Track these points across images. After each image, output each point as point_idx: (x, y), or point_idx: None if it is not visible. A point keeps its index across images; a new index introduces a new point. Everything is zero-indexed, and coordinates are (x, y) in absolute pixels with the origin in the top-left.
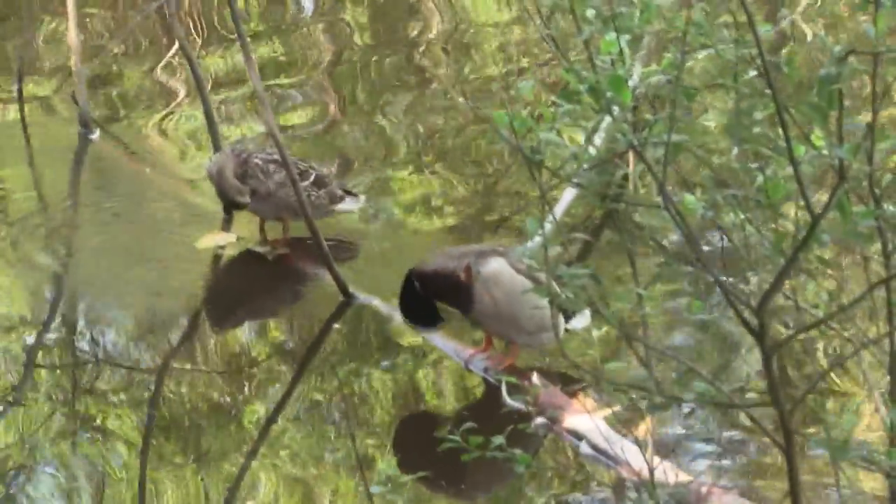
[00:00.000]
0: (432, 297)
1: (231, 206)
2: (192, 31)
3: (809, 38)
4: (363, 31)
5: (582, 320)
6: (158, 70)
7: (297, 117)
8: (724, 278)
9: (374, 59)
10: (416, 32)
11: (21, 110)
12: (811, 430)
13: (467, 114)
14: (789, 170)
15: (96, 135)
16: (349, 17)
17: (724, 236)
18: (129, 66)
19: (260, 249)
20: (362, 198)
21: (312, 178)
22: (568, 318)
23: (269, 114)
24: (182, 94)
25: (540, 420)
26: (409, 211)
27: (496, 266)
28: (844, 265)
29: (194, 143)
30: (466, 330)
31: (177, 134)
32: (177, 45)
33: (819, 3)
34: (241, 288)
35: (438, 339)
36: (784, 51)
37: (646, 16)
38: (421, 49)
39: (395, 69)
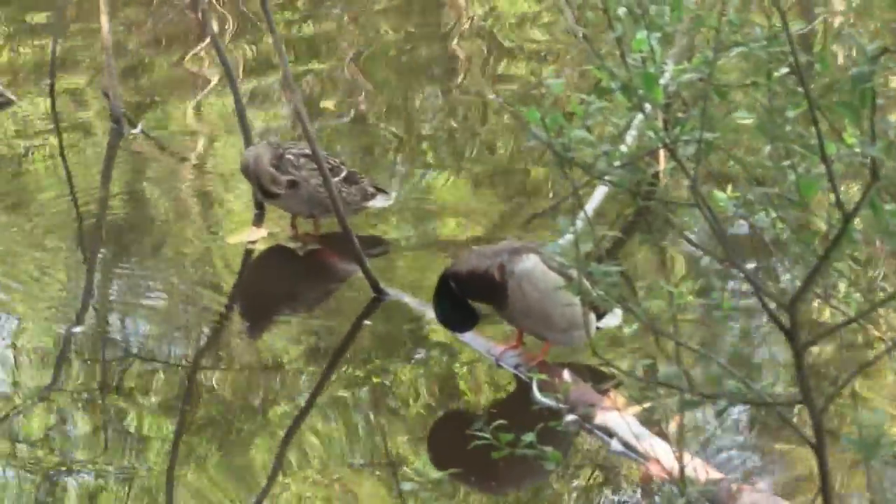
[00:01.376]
0: (468, 297)
1: (266, 195)
2: (224, 23)
3: (843, 36)
4: (393, 21)
5: (613, 318)
6: (188, 61)
7: (328, 103)
8: (756, 276)
9: (405, 49)
10: (448, 27)
11: (52, 105)
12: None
13: (499, 109)
14: (821, 168)
15: (138, 129)
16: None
17: (756, 234)
18: (160, 58)
19: (291, 245)
20: (393, 194)
21: (344, 174)
22: (600, 316)
23: (303, 114)
24: (212, 83)
25: (570, 417)
26: (441, 207)
27: (529, 263)
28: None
29: (225, 137)
30: (498, 327)
31: (208, 128)
32: (208, 38)
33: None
34: (272, 284)
35: (469, 336)
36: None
37: (676, 14)
38: (453, 43)
39: (425, 62)
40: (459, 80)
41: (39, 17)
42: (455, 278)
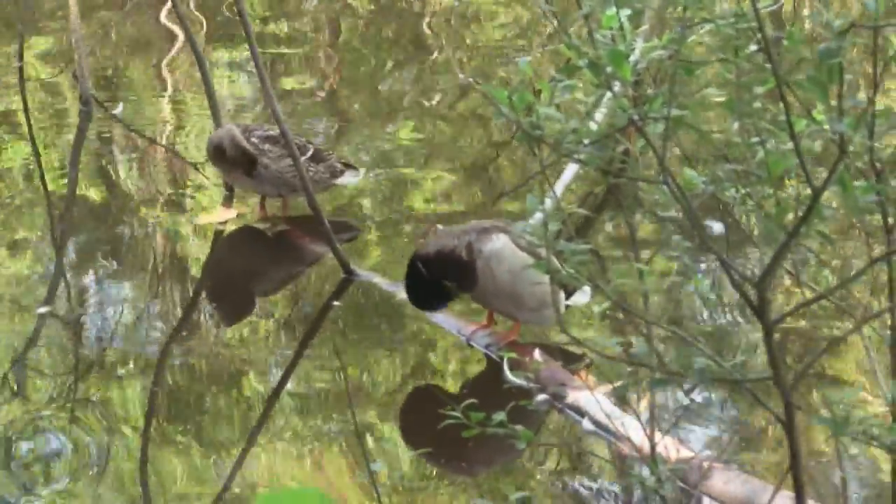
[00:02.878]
0: (438, 277)
1: (245, 162)
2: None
3: (808, 11)
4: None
5: (583, 296)
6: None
7: (296, 83)
8: (725, 254)
9: (375, 30)
10: (418, 4)
11: (22, 88)
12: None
13: (468, 88)
14: (790, 145)
15: (119, 108)
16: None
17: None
18: (131, 43)
19: (260, 226)
20: (361, 171)
21: (311, 152)
22: (569, 294)
23: (270, 92)
24: (178, 63)
25: (541, 396)
26: (409, 185)
27: (498, 243)
28: (846, 241)
29: (195, 119)
30: (468, 306)
31: (178, 109)
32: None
33: None
34: (241, 264)
35: (440, 316)
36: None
37: None
38: (424, 21)
39: (396, 41)
40: (431, 58)
41: None
42: (423, 260)
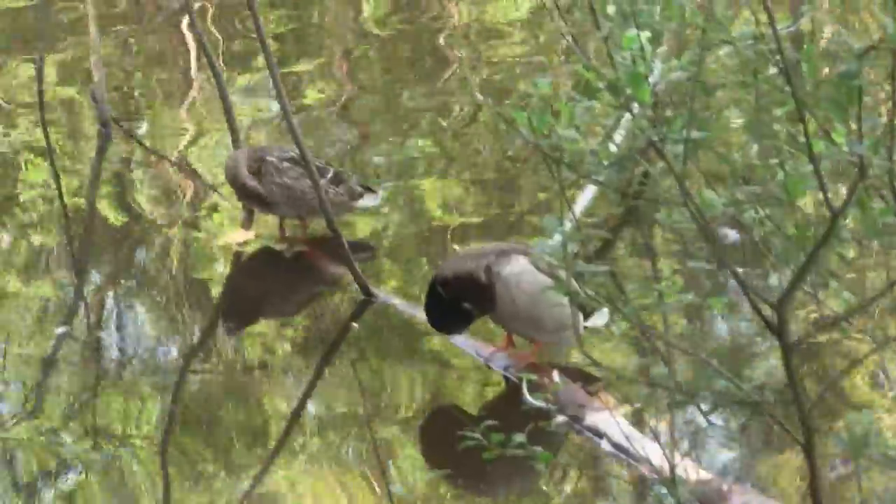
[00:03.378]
0: (457, 300)
1: (244, 195)
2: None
3: (828, 34)
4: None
5: (601, 318)
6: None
7: (312, 98)
8: (744, 275)
9: (393, 47)
10: (435, 23)
11: (41, 110)
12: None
13: (487, 109)
14: (809, 166)
15: (143, 129)
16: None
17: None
18: (151, 63)
19: (278, 247)
20: (381, 193)
21: (330, 174)
22: (587, 315)
23: (290, 116)
24: (198, 86)
25: (560, 418)
26: (429, 207)
27: (517, 265)
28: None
29: (214, 138)
30: (487, 328)
31: (197, 129)
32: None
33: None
34: (261, 286)
35: (459, 338)
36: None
37: (666, 12)
38: (440, 39)
39: (413, 60)
40: (450, 79)
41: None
42: (442, 283)
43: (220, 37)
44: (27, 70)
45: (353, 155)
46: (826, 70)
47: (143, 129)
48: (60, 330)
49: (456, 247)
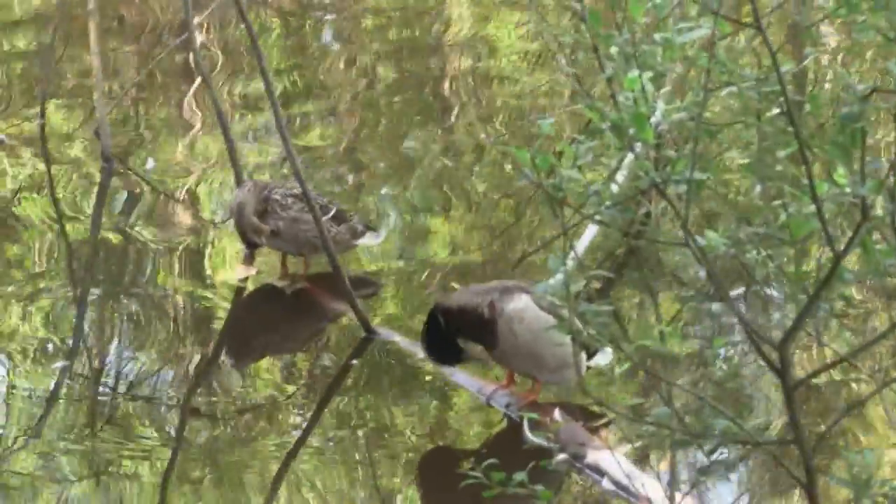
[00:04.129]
0: (456, 333)
1: (248, 245)
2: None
3: (831, 75)
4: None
5: (604, 357)
6: (183, 103)
7: (316, 140)
8: (747, 316)
9: (396, 93)
10: (438, 66)
11: (44, 144)
12: (834, 467)
13: (489, 148)
14: (812, 208)
15: (150, 166)
16: (372, 50)
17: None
18: (152, 102)
19: (279, 283)
20: (383, 233)
21: (333, 212)
22: (590, 354)
23: (293, 154)
24: (203, 121)
25: (562, 456)
26: (431, 246)
27: (521, 303)
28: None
29: (216, 174)
30: (487, 366)
31: (198, 166)
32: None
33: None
34: (262, 322)
35: (460, 375)
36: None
37: (669, 53)
38: (444, 82)
39: (417, 102)
40: (452, 119)
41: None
42: (445, 313)
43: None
44: (30, 107)
45: (356, 194)
46: (829, 112)
47: (150, 164)
48: (63, 366)
49: (455, 285)
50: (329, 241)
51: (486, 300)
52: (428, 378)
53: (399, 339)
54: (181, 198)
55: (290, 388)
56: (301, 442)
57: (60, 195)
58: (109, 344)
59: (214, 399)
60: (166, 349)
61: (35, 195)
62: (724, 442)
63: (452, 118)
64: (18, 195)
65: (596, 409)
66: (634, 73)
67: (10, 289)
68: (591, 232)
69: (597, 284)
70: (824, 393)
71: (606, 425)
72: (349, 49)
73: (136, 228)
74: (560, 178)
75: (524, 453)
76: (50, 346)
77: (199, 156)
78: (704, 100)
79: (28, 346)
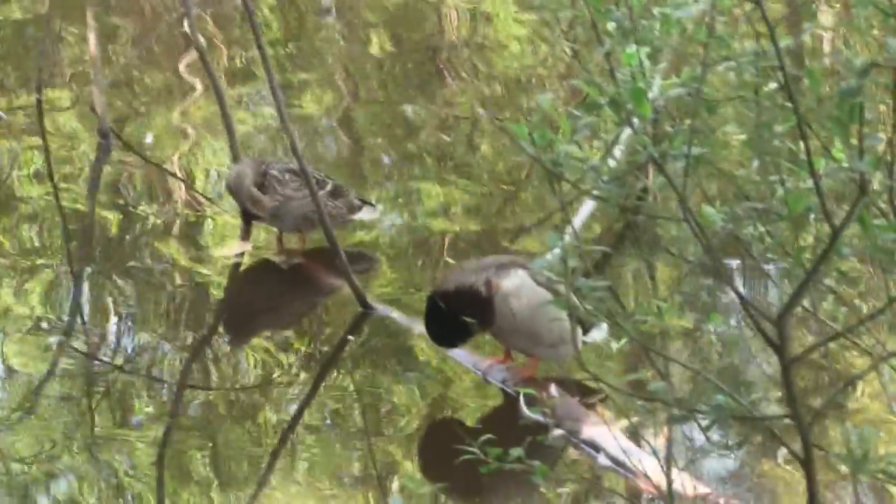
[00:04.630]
0: (456, 313)
1: (247, 216)
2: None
3: (828, 50)
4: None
5: (600, 332)
6: (179, 68)
7: (311, 109)
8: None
9: (394, 62)
10: (435, 37)
11: (40, 120)
12: (832, 440)
13: (487, 123)
14: (810, 183)
15: (148, 140)
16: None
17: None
18: (148, 73)
19: (275, 259)
20: (379, 207)
21: (329, 187)
22: (586, 329)
23: (290, 128)
24: (198, 92)
25: (558, 432)
26: (427, 221)
27: (517, 279)
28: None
29: (212, 150)
30: (484, 341)
31: (195, 141)
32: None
33: (843, 18)
34: (258, 298)
35: (457, 351)
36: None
37: (666, 28)
38: (441, 55)
39: (413, 75)
40: (450, 94)
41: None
42: (443, 297)
43: (222, 47)
44: (26, 82)
45: (352, 167)
46: (827, 87)
47: (148, 139)
48: (59, 342)
49: (450, 259)
50: (326, 216)
51: (481, 277)
52: (424, 354)
53: (395, 314)
54: (177, 173)
55: (287, 364)
56: (297, 418)
57: (56, 171)
58: (105, 320)
59: (210, 374)
60: (162, 325)
61: (31, 170)
62: (721, 417)
63: (448, 91)
64: (14, 171)
65: (592, 384)
66: (632, 48)
67: (5, 262)
68: (588, 207)
69: (595, 259)
70: (822, 368)
71: (603, 401)
72: (346, 18)
73: (132, 204)
74: (558, 154)
75: (521, 429)
76: (45, 322)
77: (195, 130)
78: (703, 74)
79: (23, 321)
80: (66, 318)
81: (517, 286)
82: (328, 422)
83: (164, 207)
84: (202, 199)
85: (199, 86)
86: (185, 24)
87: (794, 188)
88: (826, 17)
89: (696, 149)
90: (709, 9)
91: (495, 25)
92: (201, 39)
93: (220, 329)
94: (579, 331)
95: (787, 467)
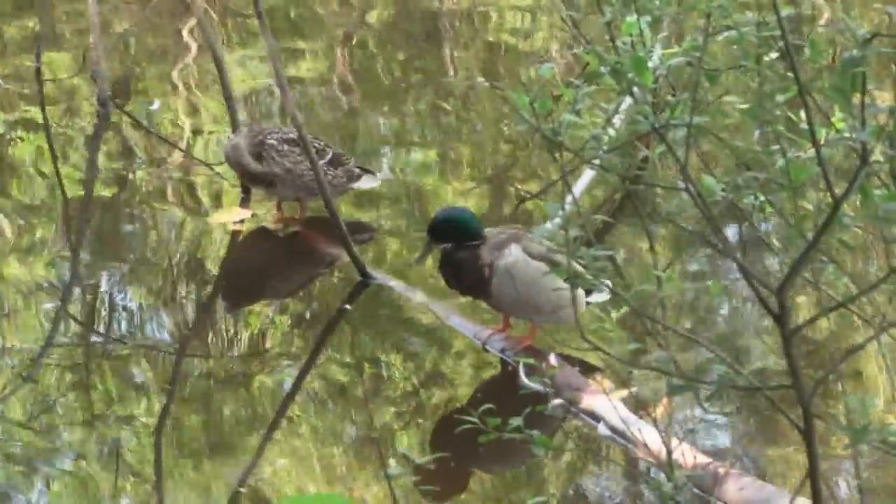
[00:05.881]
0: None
1: (250, 179)
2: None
3: (827, 18)
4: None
5: (602, 295)
6: (181, 30)
7: (306, 71)
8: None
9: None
10: (436, 3)
11: (40, 88)
12: (831, 412)
13: (489, 92)
14: (811, 153)
15: (154, 106)
16: None
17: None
18: (146, 37)
19: (273, 227)
20: (379, 175)
21: (329, 156)
22: (587, 292)
23: (289, 97)
24: (195, 54)
25: (557, 401)
26: (428, 191)
27: (511, 257)
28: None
29: (211, 118)
30: (483, 310)
31: (194, 109)
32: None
33: None
34: (258, 266)
35: (456, 320)
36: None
37: None
38: (441, 23)
39: (413, 44)
40: (448, 63)
41: None
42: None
43: (214, 17)
44: (25, 47)
45: (350, 131)
46: (829, 56)
47: (155, 105)
48: (51, 304)
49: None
50: (326, 185)
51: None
52: (423, 322)
53: (394, 283)
54: (176, 141)
55: (285, 332)
56: (296, 387)
57: (56, 139)
58: (102, 287)
59: (209, 343)
60: (161, 292)
61: (30, 138)
62: (723, 387)
63: (448, 59)
64: (13, 138)
65: (592, 354)
66: (632, 17)
67: (7, 233)
68: (588, 176)
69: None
70: (822, 339)
71: (602, 370)
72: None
73: (132, 172)
74: (558, 123)
75: (520, 398)
76: (44, 291)
77: (195, 98)
78: (704, 44)
79: (22, 289)
80: (63, 286)
81: (512, 264)
82: (326, 391)
83: (163, 175)
84: (201, 166)
85: (194, 48)
86: None
87: (796, 158)
88: None
89: (697, 118)
90: None
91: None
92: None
93: (219, 297)
94: (581, 293)
95: (789, 437)
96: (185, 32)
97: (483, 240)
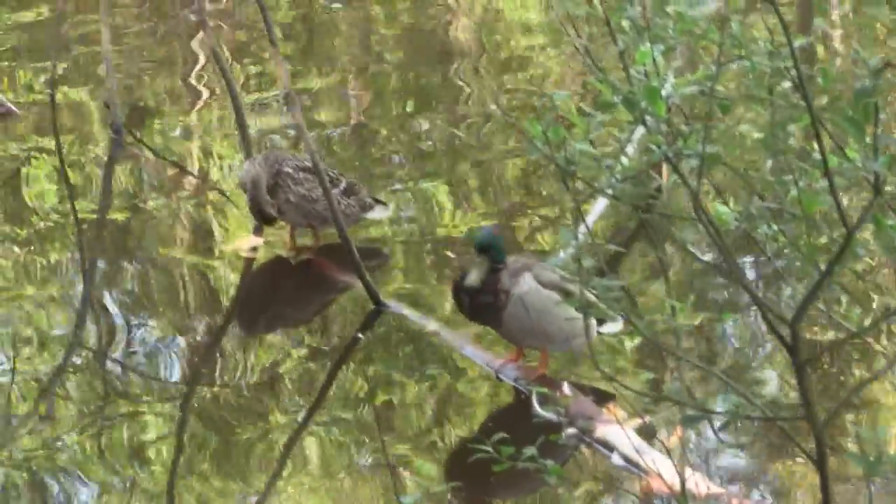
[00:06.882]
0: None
1: (263, 219)
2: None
3: (838, 48)
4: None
5: (615, 325)
6: (192, 76)
7: (325, 117)
8: (758, 290)
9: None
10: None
11: (53, 115)
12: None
13: (502, 121)
14: (823, 182)
15: (177, 133)
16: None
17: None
18: (162, 73)
19: (287, 255)
20: (392, 206)
21: (343, 185)
22: (600, 322)
23: (304, 127)
24: (208, 96)
25: (571, 430)
26: (440, 219)
27: (524, 286)
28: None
29: (225, 146)
30: (497, 340)
31: (208, 137)
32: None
33: (851, 14)
34: (271, 294)
35: (469, 349)
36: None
37: (680, 27)
38: (454, 59)
39: (426, 77)
40: (463, 92)
41: (28, 16)
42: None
43: (228, 55)
44: (40, 78)
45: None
46: (841, 87)
47: (178, 132)
48: (60, 331)
49: (450, 253)
50: (339, 214)
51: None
52: (436, 351)
53: (408, 311)
54: (189, 168)
55: (299, 361)
56: (310, 415)
57: (69, 166)
58: (118, 314)
59: (223, 371)
60: (175, 320)
61: (44, 163)
62: (735, 417)
63: (462, 87)
64: (28, 164)
65: (606, 383)
66: (646, 46)
67: (20, 258)
68: (601, 205)
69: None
70: (836, 369)
71: (616, 399)
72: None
73: (146, 199)
74: (572, 152)
75: (533, 427)
76: (59, 317)
77: (208, 127)
78: (717, 73)
79: (37, 316)
80: (78, 312)
81: (524, 294)
82: (340, 419)
83: (177, 203)
84: (216, 195)
85: (213, 84)
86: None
87: (808, 188)
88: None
89: (710, 148)
90: (723, 7)
91: (508, 26)
92: (212, 36)
93: (233, 325)
94: (593, 322)
95: (802, 467)
96: (194, 44)
97: (505, 265)
